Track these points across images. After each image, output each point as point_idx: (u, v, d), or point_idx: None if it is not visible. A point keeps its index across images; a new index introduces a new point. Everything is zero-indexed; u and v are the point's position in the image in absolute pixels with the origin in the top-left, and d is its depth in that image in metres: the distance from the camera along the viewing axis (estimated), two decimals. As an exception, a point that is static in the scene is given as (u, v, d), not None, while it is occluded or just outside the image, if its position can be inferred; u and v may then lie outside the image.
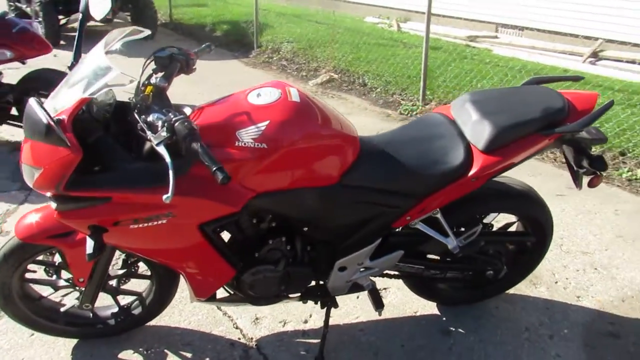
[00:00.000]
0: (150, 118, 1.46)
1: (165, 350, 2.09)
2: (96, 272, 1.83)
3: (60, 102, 1.50)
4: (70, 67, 1.72)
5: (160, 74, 1.61)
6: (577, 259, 2.74)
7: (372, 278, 2.04)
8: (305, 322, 2.26)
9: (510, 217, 2.20)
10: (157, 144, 1.38)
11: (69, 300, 2.08)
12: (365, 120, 4.90)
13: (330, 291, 2.00)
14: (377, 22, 9.26)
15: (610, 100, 1.77)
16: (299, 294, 2.02)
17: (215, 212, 1.59)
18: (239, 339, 2.16)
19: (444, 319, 2.30)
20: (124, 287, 2.08)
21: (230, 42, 8.22)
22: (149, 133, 1.41)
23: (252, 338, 2.17)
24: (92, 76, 1.46)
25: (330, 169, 1.67)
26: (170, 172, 1.35)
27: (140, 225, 1.58)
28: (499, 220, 2.17)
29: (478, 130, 1.76)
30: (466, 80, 5.33)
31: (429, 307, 2.36)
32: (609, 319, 2.32)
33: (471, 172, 1.73)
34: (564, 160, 2.25)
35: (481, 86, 5.23)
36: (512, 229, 2.22)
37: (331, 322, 2.13)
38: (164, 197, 1.32)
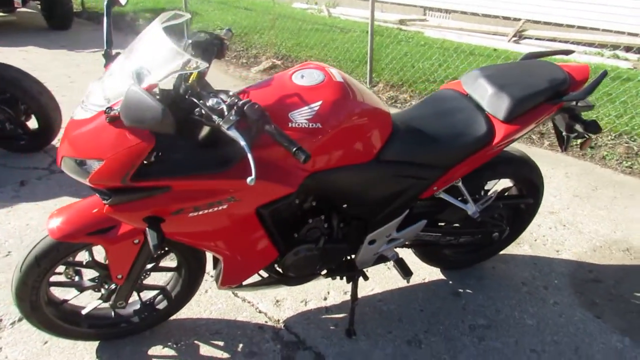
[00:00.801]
0: (209, 103, 1.44)
1: (196, 342, 2.07)
2: (135, 266, 1.77)
3: (114, 90, 1.43)
4: (106, 55, 1.63)
5: (199, 60, 1.58)
6: (547, 219, 3.03)
7: (395, 249, 2.14)
8: (325, 299, 2.32)
9: (505, 182, 2.40)
10: (228, 128, 1.37)
11: (90, 302, 1.99)
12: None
13: (357, 265, 2.08)
14: (307, 7, 9.31)
15: (604, 71, 1.99)
16: (327, 271, 2.08)
17: (274, 194, 1.60)
18: (266, 322, 2.18)
19: (451, 282, 2.46)
20: (145, 282, 2.02)
21: (157, 31, 7.90)
22: (215, 117, 1.39)
23: (278, 320, 2.20)
24: (153, 62, 1.41)
25: (371, 145, 1.74)
26: (249, 154, 1.35)
27: (200, 213, 1.56)
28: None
29: (496, 102, 1.91)
30: (408, 61, 5.57)
31: (435, 274, 2.51)
32: (587, 267, 2.61)
33: (495, 141, 1.88)
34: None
35: (422, 67, 5.49)
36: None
37: (348, 297, 2.23)
38: (249, 179, 1.33)
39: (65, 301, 1.93)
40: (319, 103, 1.59)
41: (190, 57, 1.40)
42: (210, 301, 2.28)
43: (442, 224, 2.21)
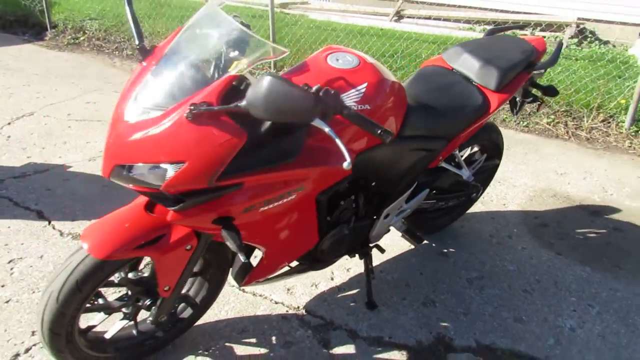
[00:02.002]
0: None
1: (227, 344, 1.99)
2: (184, 275, 1.64)
3: (182, 86, 1.31)
4: (142, 50, 1.46)
5: (280, 47, 1.53)
6: (484, 178, 3.40)
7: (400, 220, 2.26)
8: (332, 279, 2.37)
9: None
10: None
11: (109, 325, 1.80)
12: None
13: (371, 240, 2.16)
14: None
15: (560, 41, 2.30)
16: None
17: (334, 178, 1.61)
18: (287, 311, 2.17)
19: (434, 245, 2.67)
20: None
21: (9, 24, 6.93)
22: None
23: (297, 307, 2.20)
24: (228, 52, 1.31)
25: (398, 122, 1.82)
26: (337, 139, 1.35)
27: (271, 206, 1.51)
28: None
29: (486, 74, 2.11)
30: (305, 44, 5.66)
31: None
32: (532, 214, 3.00)
33: (491, 109, 2.08)
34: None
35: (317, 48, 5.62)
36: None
37: (352, 273, 2.32)
38: (345, 164, 1.33)
39: (92, 327, 1.73)
40: (365, 85, 1.63)
41: (273, 45, 1.35)
42: (221, 302, 2.20)
43: (434, 191, 2.39)
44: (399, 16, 6.65)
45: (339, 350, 2.00)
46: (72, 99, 4.49)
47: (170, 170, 1.30)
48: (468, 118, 2.05)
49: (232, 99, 1.30)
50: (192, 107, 1.26)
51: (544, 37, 5.95)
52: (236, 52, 1.40)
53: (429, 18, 6.51)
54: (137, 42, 1.47)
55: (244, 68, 1.32)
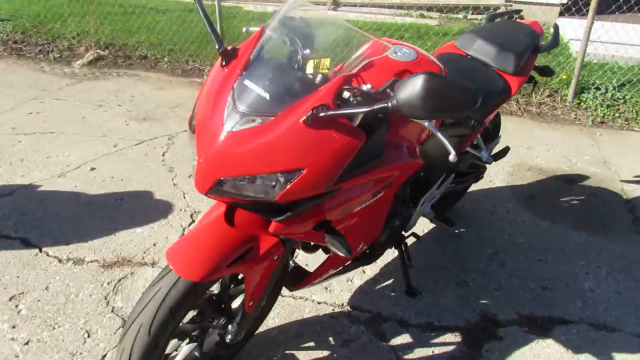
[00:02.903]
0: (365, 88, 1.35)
1: (287, 352, 1.94)
2: (268, 287, 1.56)
3: (291, 89, 1.24)
4: (224, 53, 1.34)
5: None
6: (464, 158, 3.55)
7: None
8: (364, 272, 2.38)
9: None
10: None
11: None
12: (184, 92, 4.64)
13: (406, 229, 2.20)
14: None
15: (555, 24, 2.45)
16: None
17: (411, 171, 1.61)
18: (333, 310, 2.16)
19: (441, 228, 2.76)
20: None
21: None
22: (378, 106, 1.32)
23: (342, 304, 2.19)
24: (334, 51, 1.26)
25: None
26: (438, 133, 1.36)
27: (363, 206, 1.48)
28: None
29: (504, 59, 2.19)
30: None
31: (426, 225, 2.76)
32: (519, 188, 3.19)
33: (512, 92, 2.17)
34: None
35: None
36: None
37: (381, 264, 2.35)
38: (451, 156, 1.34)
39: (168, 356, 1.60)
40: None
41: (378, 38, 1.31)
42: (263, 310, 2.13)
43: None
44: (335, 4, 6.69)
45: (396, 341, 2.02)
46: (10, 110, 4.06)
47: (284, 179, 1.23)
48: (494, 102, 2.13)
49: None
50: (315, 111, 1.20)
51: (479, 18, 6.29)
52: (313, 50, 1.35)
53: (366, 5, 6.62)
54: (218, 46, 1.37)
55: (357, 67, 1.28)
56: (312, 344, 1.98)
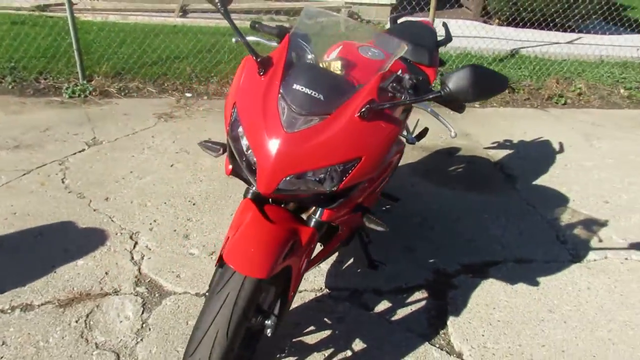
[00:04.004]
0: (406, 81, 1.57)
1: (294, 340, 2.06)
2: (303, 275, 1.67)
3: (334, 89, 1.39)
4: (261, 62, 1.40)
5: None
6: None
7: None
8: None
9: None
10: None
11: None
12: (49, 114, 4.22)
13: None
14: None
15: (444, 22, 2.90)
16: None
17: (402, 153, 1.86)
18: (316, 295, 2.32)
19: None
20: None
21: None
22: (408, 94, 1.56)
23: (321, 288, 2.36)
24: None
25: None
26: (439, 117, 1.64)
27: (383, 183, 1.69)
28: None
29: (420, 53, 2.56)
30: (100, 48, 5.22)
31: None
32: (415, 165, 3.67)
33: (431, 80, 2.56)
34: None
35: (126, 51, 5.27)
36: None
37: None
38: (452, 133, 1.63)
39: None
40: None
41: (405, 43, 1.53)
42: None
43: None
44: (184, 11, 6.57)
45: (378, 308, 2.27)
46: None
47: (342, 169, 1.38)
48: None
49: None
50: (370, 105, 1.37)
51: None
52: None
53: (212, 11, 6.63)
54: (255, 57, 1.46)
55: (340, 68, 1.48)
56: (312, 327, 2.12)
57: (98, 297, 2.21)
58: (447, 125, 1.63)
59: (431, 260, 2.60)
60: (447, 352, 2.06)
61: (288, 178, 1.37)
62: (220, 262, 1.60)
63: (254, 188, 1.62)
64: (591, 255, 2.73)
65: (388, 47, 1.89)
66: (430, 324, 2.21)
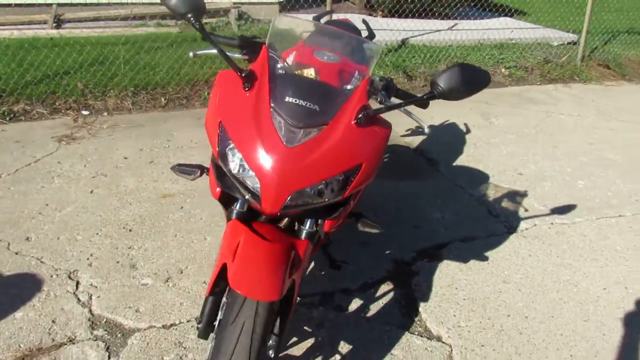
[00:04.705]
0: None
1: (280, 355, 2.01)
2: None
3: (325, 98, 1.36)
4: (245, 77, 1.31)
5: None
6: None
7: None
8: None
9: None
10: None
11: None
12: None
13: None
14: None
15: (364, 19, 2.96)
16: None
17: None
18: (288, 305, 2.27)
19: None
20: None
21: None
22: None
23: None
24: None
25: None
26: (412, 114, 1.69)
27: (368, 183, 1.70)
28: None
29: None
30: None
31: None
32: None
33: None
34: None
35: (3, 71, 4.69)
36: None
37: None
38: (426, 129, 1.68)
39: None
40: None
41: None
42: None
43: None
44: (58, 21, 5.98)
45: (351, 306, 2.29)
46: None
47: (344, 177, 1.37)
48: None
49: None
50: (366, 112, 1.36)
51: (213, 21, 6.60)
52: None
53: (90, 20, 6.14)
54: (239, 73, 1.38)
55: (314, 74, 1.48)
56: (295, 338, 2.08)
57: (52, 349, 1.97)
58: (420, 122, 1.68)
59: (387, 252, 2.67)
60: (427, 337, 2.14)
61: (294, 194, 1.33)
62: (212, 291, 1.51)
63: (238, 208, 1.54)
64: (522, 224, 2.98)
65: (353, 48, 1.89)
66: (404, 314, 2.27)
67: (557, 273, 2.57)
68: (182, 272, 2.43)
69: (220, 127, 1.39)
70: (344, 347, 2.06)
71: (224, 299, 1.48)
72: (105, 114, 4.37)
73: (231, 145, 1.37)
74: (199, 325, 1.58)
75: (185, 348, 2.00)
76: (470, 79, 1.44)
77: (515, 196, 3.30)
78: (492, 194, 3.33)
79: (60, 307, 2.18)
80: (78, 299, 2.23)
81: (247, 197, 1.38)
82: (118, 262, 2.47)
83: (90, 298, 2.23)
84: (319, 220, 1.55)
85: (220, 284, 1.52)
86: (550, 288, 2.46)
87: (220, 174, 1.46)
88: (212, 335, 1.53)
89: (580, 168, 3.77)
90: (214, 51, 1.67)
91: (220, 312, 1.53)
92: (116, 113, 4.41)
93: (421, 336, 2.14)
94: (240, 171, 1.38)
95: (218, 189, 1.50)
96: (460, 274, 2.53)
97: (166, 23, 6.38)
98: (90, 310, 2.16)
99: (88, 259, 2.48)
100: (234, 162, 1.38)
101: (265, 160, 1.32)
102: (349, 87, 1.54)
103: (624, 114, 5.10)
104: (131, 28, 6.08)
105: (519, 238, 2.85)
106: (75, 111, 4.35)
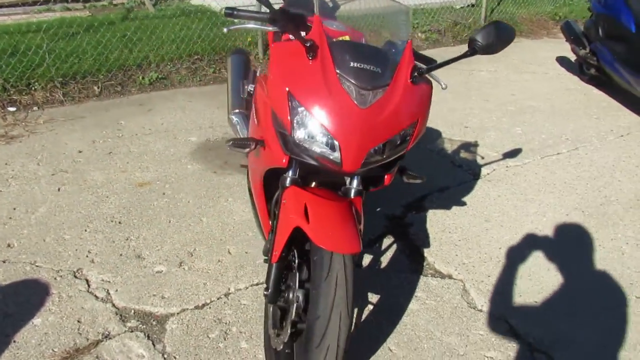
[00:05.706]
0: None
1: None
2: None
3: (382, 60, 1.48)
4: (310, 47, 1.36)
5: None
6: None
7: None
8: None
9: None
10: None
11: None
12: None
13: None
14: None
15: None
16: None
17: None
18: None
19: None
20: None
21: None
22: None
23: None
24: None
25: None
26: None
27: None
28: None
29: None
30: None
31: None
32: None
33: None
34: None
35: None
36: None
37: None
38: (443, 85, 1.84)
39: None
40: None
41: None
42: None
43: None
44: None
45: (367, 260, 2.44)
46: None
47: (404, 132, 1.50)
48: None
49: None
50: (419, 70, 1.48)
51: (125, 1, 6.23)
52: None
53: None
54: (304, 43, 1.43)
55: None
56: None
57: (90, 347, 1.91)
58: (438, 80, 1.84)
59: (378, 209, 2.85)
60: (440, 277, 2.36)
61: (372, 151, 1.43)
62: (279, 258, 1.59)
63: (291, 175, 1.61)
64: (484, 170, 3.30)
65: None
66: (412, 261, 2.47)
67: (525, 207, 2.92)
68: (192, 255, 2.42)
69: (289, 96, 1.45)
70: (373, 297, 2.21)
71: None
72: (36, 108, 4.05)
73: (304, 112, 1.43)
74: (266, 292, 1.65)
75: (226, 323, 2.04)
76: (503, 35, 1.61)
77: (469, 147, 3.62)
78: (448, 147, 3.62)
79: (80, 306, 2.10)
80: (95, 296, 2.16)
81: (331, 157, 1.46)
82: (121, 254, 2.41)
83: (108, 293, 2.17)
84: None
85: (283, 249, 1.59)
86: (525, 220, 2.80)
87: (286, 141, 1.52)
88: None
89: (513, 117, 4.20)
90: (249, 26, 1.70)
91: (290, 277, 1.61)
92: (47, 106, 4.11)
93: (434, 277, 2.36)
94: (316, 135, 1.45)
95: (285, 157, 1.56)
96: (448, 219, 2.79)
97: (74, 7, 5.93)
98: (114, 305, 2.11)
99: (87, 256, 2.39)
100: (309, 127, 1.45)
101: (343, 122, 1.41)
102: (393, 49, 1.65)
103: (530, 66, 5.68)
104: (34, 14, 5.58)
105: (485, 182, 3.17)
106: (0, 109, 3.99)
